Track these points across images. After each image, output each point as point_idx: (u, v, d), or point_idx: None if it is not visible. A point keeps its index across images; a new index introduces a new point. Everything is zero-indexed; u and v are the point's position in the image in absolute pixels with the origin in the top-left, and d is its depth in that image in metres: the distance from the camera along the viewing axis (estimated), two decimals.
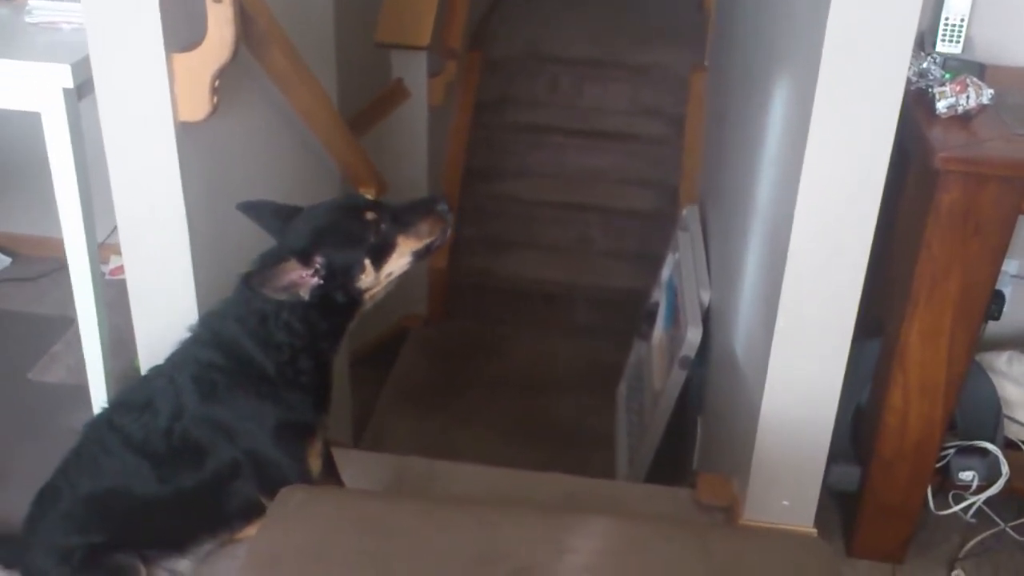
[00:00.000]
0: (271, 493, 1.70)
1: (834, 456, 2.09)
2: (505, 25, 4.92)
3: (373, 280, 1.78)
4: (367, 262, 1.75)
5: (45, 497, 1.87)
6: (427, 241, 1.81)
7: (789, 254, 1.88)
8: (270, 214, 1.82)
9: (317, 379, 1.84)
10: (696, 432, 2.92)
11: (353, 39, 3.22)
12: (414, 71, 3.78)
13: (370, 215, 1.77)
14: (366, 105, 3.65)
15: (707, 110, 3.96)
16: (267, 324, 1.75)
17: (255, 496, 1.85)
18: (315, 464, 1.89)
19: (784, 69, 2.12)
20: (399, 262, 1.80)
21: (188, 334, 1.86)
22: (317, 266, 1.71)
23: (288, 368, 1.78)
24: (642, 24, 5.01)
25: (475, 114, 4.52)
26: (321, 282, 1.72)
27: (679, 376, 2.92)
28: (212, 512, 1.90)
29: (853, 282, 1.87)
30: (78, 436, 1.88)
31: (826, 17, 1.68)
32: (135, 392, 1.87)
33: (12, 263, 3.38)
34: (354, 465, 2.39)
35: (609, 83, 4.57)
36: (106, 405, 1.91)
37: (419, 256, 1.83)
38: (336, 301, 1.76)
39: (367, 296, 1.81)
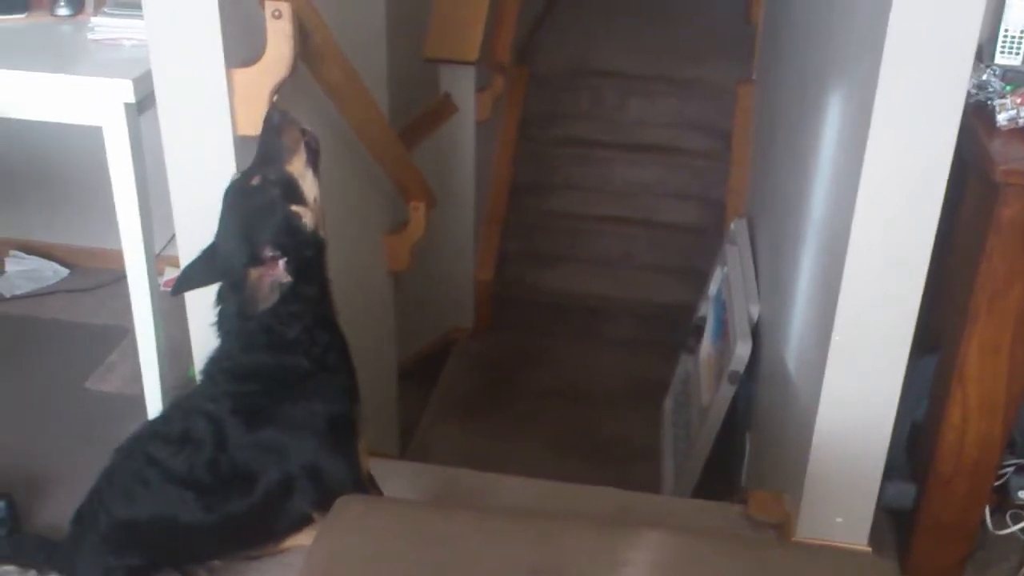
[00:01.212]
0: (326, 505, 1.70)
1: (889, 473, 2.07)
2: (552, 40, 4.93)
3: (312, 215, 1.76)
4: (294, 208, 1.73)
5: (83, 518, 1.89)
6: (303, 148, 1.77)
7: (846, 267, 1.87)
8: (199, 269, 1.80)
9: (340, 351, 1.84)
10: (744, 448, 2.90)
11: (403, 54, 3.25)
12: (462, 86, 3.80)
13: (255, 180, 1.74)
14: (415, 119, 3.68)
15: (755, 123, 3.94)
16: (275, 329, 1.75)
17: (306, 511, 1.86)
18: (365, 463, 1.91)
19: (839, 81, 2.11)
20: (309, 183, 1.76)
21: (198, 385, 1.87)
22: (271, 252, 1.70)
23: (315, 350, 1.78)
24: (688, 38, 5.00)
25: (521, 128, 4.54)
26: (285, 258, 1.71)
27: (728, 391, 2.90)
28: (261, 531, 1.91)
29: (911, 296, 1.86)
30: (110, 461, 1.89)
31: (885, 28, 1.67)
32: (169, 423, 1.87)
33: (70, 274, 3.44)
34: (402, 476, 2.40)
35: (655, 97, 4.57)
36: (137, 434, 1.90)
37: (314, 163, 1.78)
38: (308, 259, 1.75)
39: (322, 232, 1.79)
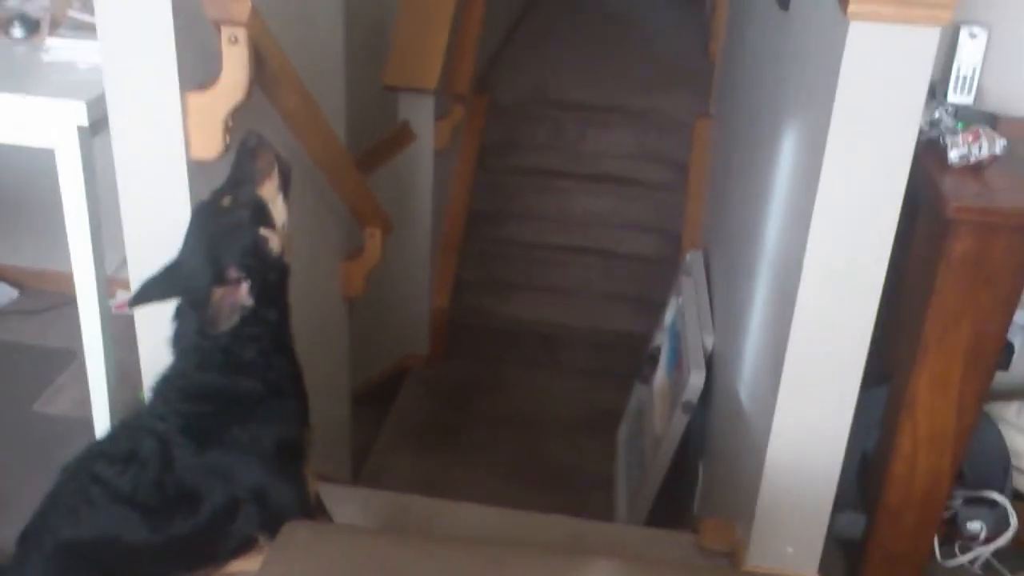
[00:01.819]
0: (272, 529, 1.69)
1: (840, 503, 2.08)
2: (511, 70, 4.97)
3: (279, 240, 1.75)
4: (262, 231, 1.73)
5: (27, 539, 1.85)
6: (276, 172, 1.77)
7: (798, 300, 1.89)
8: (159, 284, 1.77)
9: (294, 376, 1.83)
10: (697, 476, 2.91)
11: (361, 81, 3.25)
12: (421, 114, 3.80)
13: (225, 200, 1.73)
14: (373, 146, 3.67)
15: (712, 157, 3.99)
16: (232, 351, 1.73)
17: (250, 535, 1.83)
18: (314, 487, 1.89)
19: (793, 117, 2.14)
20: (279, 208, 1.76)
21: (148, 404, 1.83)
22: (236, 274, 1.69)
23: (270, 374, 1.77)
24: (647, 71, 5.06)
25: (479, 157, 4.56)
26: (250, 281, 1.70)
27: (681, 420, 2.92)
28: (206, 553, 1.88)
29: (862, 329, 1.88)
30: (54, 481, 1.84)
31: (839, 66, 1.70)
32: (116, 442, 1.83)
33: (20, 296, 3.39)
34: (353, 502, 2.38)
35: (613, 128, 4.61)
36: (83, 453, 1.85)
37: (285, 189, 1.78)
38: (271, 283, 1.74)
39: (287, 257, 1.78)
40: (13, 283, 3.41)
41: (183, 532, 1.79)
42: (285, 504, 1.81)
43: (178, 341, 1.76)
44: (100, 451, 1.85)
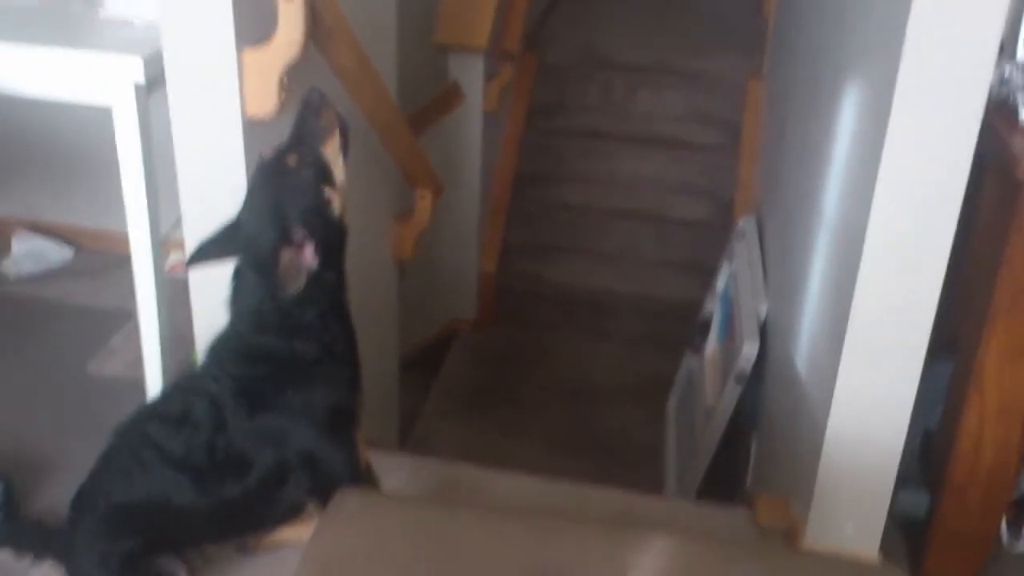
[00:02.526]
0: (323, 494, 1.69)
1: (901, 481, 2.04)
2: (561, 29, 4.90)
3: (339, 199, 1.74)
4: (326, 191, 1.72)
5: (81, 501, 1.87)
6: (336, 133, 1.76)
7: (861, 267, 1.83)
8: (219, 244, 1.76)
9: (349, 341, 1.82)
10: (750, 449, 2.87)
11: (413, 41, 3.22)
12: (471, 74, 3.77)
13: (291, 158, 1.71)
14: (422, 107, 3.64)
15: (765, 118, 3.91)
16: (292, 313, 1.72)
17: (300, 500, 1.84)
18: (365, 454, 1.89)
19: (855, 77, 2.08)
20: (340, 168, 1.75)
21: (202, 366, 1.83)
22: (302, 235, 1.68)
23: (326, 337, 1.76)
24: (698, 31, 4.97)
25: (528, 118, 4.50)
26: (315, 242, 1.69)
27: (734, 391, 2.87)
28: (255, 518, 1.89)
29: (928, 297, 1.82)
30: (107, 441, 1.85)
31: (905, 23, 1.64)
32: (168, 404, 1.85)
33: (75, 255, 3.41)
34: (401, 470, 2.37)
35: (664, 89, 4.54)
36: (136, 415, 1.87)
37: (345, 149, 1.77)
38: (332, 244, 1.73)
39: (345, 219, 1.77)
40: (68, 242, 3.43)
41: (233, 496, 1.80)
42: (335, 470, 1.81)
43: (237, 302, 1.75)
44: (153, 413, 1.85)
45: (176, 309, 2.39)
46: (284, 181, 1.70)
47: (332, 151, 1.74)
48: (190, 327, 2.15)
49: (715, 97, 4.48)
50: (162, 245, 2.43)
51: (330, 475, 1.80)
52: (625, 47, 4.72)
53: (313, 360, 1.76)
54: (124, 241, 2.41)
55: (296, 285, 1.66)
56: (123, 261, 2.73)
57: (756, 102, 4.25)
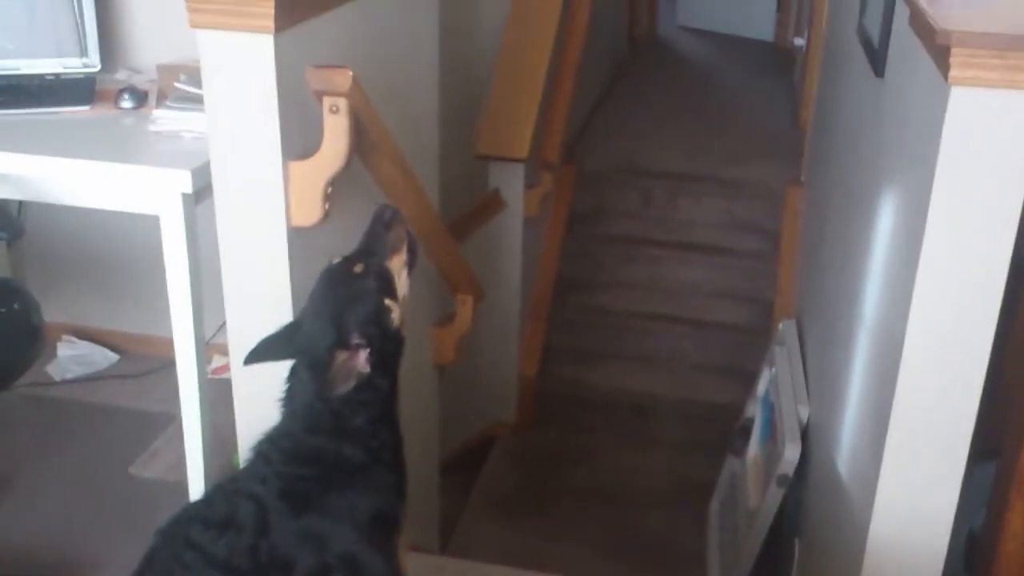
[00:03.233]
0: None
1: None
2: (600, 139, 4.99)
3: (399, 312, 1.78)
4: (387, 302, 1.76)
5: None
6: (404, 248, 1.81)
7: (900, 371, 1.83)
8: (278, 343, 1.81)
9: (396, 448, 1.84)
10: (793, 554, 2.82)
11: (454, 149, 3.30)
12: (511, 182, 3.84)
13: (358, 267, 1.76)
14: (464, 214, 3.71)
15: (804, 225, 3.94)
16: (342, 415, 1.74)
17: None
18: (406, 562, 1.87)
19: (892, 184, 2.10)
20: (403, 281, 1.80)
21: (248, 465, 1.84)
22: (358, 340, 1.72)
23: (374, 443, 1.78)
24: (737, 140, 5.04)
25: (568, 225, 4.57)
26: (370, 349, 1.72)
27: (776, 494, 2.84)
28: None
29: (969, 400, 1.80)
30: (150, 544, 1.85)
31: (940, 133, 1.67)
32: (211, 506, 1.85)
33: (120, 360, 3.47)
34: (444, 573, 2.36)
35: (703, 197, 4.59)
36: (178, 517, 1.87)
37: (410, 265, 1.82)
38: (388, 353, 1.77)
39: (403, 331, 1.81)
40: (114, 348, 3.50)
41: None
42: (375, 575, 1.80)
43: (290, 402, 1.78)
44: (195, 514, 1.85)
45: (218, 412, 2.42)
46: (348, 288, 1.75)
47: (397, 265, 1.80)
48: (232, 430, 2.17)
49: (754, 204, 4.53)
50: (207, 349, 2.48)
51: None
52: (664, 156, 4.80)
53: (360, 464, 1.77)
54: (168, 346, 2.47)
55: (346, 387, 1.69)
56: (167, 365, 2.79)
57: (795, 209, 4.28)
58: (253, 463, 1.82)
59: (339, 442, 1.76)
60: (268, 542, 1.76)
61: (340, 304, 1.74)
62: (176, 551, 1.81)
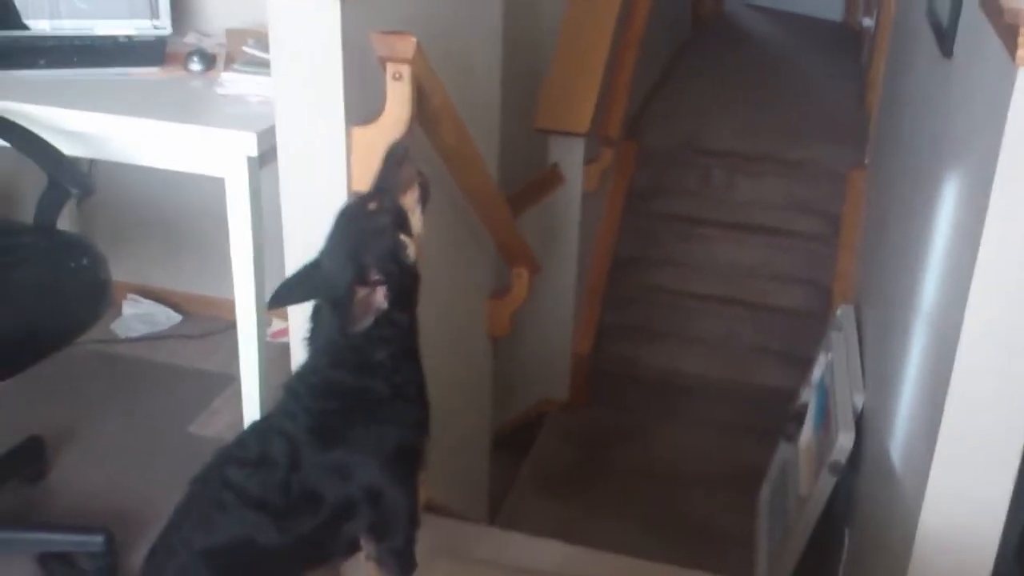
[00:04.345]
0: (379, 532, 1.79)
1: None
2: (662, 116, 4.96)
3: (414, 247, 1.80)
4: (402, 238, 1.77)
5: (157, 554, 1.90)
6: (417, 185, 1.82)
7: (956, 359, 1.80)
8: (298, 284, 1.84)
9: (419, 383, 1.87)
10: (843, 543, 2.81)
11: (515, 122, 3.30)
12: (571, 157, 3.83)
13: (372, 204, 1.78)
14: (523, 187, 3.72)
15: (866, 209, 3.88)
16: (364, 351, 1.77)
17: (357, 536, 1.85)
18: (423, 494, 1.91)
19: (955, 167, 2.07)
20: (417, 218, 1.81)
21: (279, 404, 1.88)
22: (376, 276, 1.74)
23: (396, 377, 1.80)
24: (801, 120, 4.98)
25: (627, 202, 4.55)
26: (387, 285, 1.74)
27: (828, 482, 2.82)
28: (322, 553, 1.89)
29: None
30: (187, 491, 1.88)
31: (1005, 114, 1.64)
32: (245, 447, 1.88)
33: (182, 320, 3.53)
34: (489, 543, 2.38)
35: (764, 177, 4.55)
36: (212, 463, 1.90)
37: (424, 201, 1.83)
38: (405, 288, 1.79)
39: (419, 266, 1.83)
40: (177, 308, 3.56)
41: (306, 532, 1.82)
42: (396, 508, 1.83)
43: (314, 340, 1.81)
44: (230, 456, 1.89)
45: (276, 374, 2.46)
46: (363, 225, 1.78)
47: (411, 201, 1.81)
48: None
49: (816, 187, 4.48)
50: (266, 312, 2.51)
51: (391, 510, 1.83)
52: (726, 135, 4.76)
53: (384, 398, 1.80)
54: (230, 308, 2.51)
55: (366, 322, 1.72)
56: (228, 327, 2.83)
57: (858, 193, 4.22)
58: (284, 401, 1.86)
59: (363, 377, 1.79)
60: (299, 476, 1.79)
61: (357, 241, 1.76)
62: (213, 493, 1.85)
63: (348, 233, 1.78)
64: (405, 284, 1.79)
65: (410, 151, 1.83)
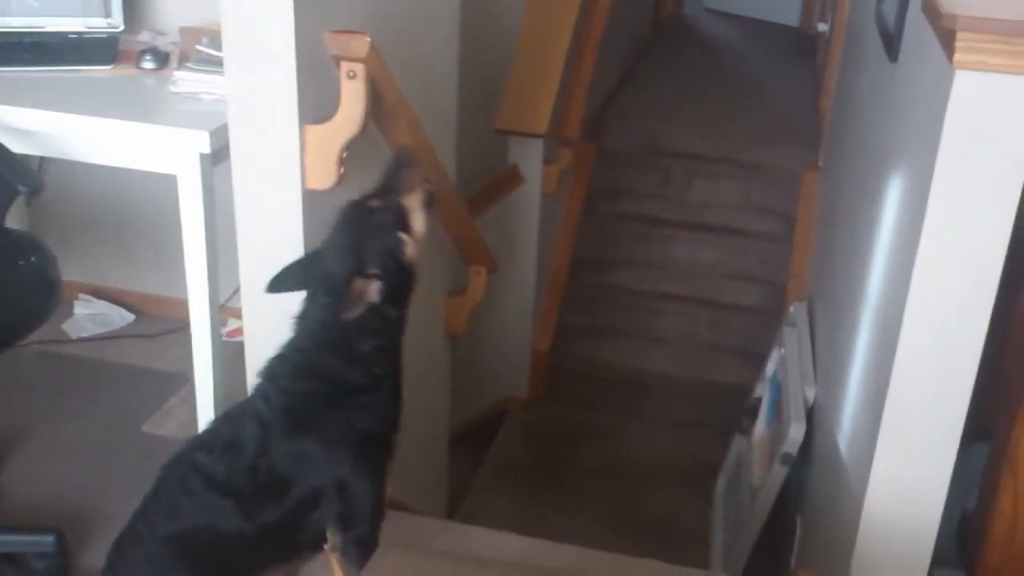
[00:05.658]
0: (345, 523, 1.81)
1: (938, 561, 2.02)
2: (620, 117, 5.00)
3: (414, 247, 1.85)
4: (401, 235, 1.83)
5: (124, 542, 1.92)
6: (420, 188, 1.89)
7: (897, 353, 1.85)
8: (299, 271, 1.89)
9: (395, 379, 1.91)
10: (795, 531, 2.85)
11: (473, 123, 3.32)
12: (530, 158, 3.86)
13: (374, 202, 1.85)
14: (482, 188, 3.74)
15: (819, 209, 3.94)
16: (351, 339, 1.82)
17: (323, 527, 1.88)
18: (389, 487, 1.95)
19: (897, 168, 2.12)
20: (420, 218, 1.87)
21: (256, 385, 1.91)
22: (373, 270, 1.79)
23: (376, 370, 1.85)
24: (757, 123, 5.04)
25: (586, 203, 4.58)
26: (383, 280, 1.79)
27: (780, 473, 2.87)
28: (288, 544, 1.92)
29: (963, 383, 1.83)
30: (156, 478, 1.91)
31: (943, 117, 1.68)
32: (216, 433, 1.92)
33: (135, 320, 3.52)
34: (447, 536, 2.40)
35: (721, 179, 4.60)
36: (181, 449, 1.94)
37: (427, 204, 1.89)
38: (399, 285, 1.84)
39: (416, 267, 1.88)
40: (130, 308, 3.55)
41: (272, 520, 1.84)
42: (363, 499, 1.86)
43: (304, 319, 1.84)
44: (200, 442, 1.92)
45: (231, 374, 2.47)
46: (366, 220, 1.84)
47: (414, 202, 1.87)
48: (243, 392, 2.20)
49: (772, 187, 4.53)
50: (221, 311, 2.52)
51: (358, 501, 1.86)
52: (683, 137, 4.80)
53: (361, 387, 1.84)
54: (183, 307, 2.51)
55: (355, 312, 1.77)
56: (182, 326, 2.83)
57: (811, 193, 4.29)
58: (260, 382, 1.89)
59: (344, 363, 1.83)
60: (267, 461, 1.82)
61: (358, 235, 1.82)
62: (181, 478, 1.87)
63: (350, 228, 1.84)
64: (400, 282, 1.84)
65: (418, 158, 1.89)
